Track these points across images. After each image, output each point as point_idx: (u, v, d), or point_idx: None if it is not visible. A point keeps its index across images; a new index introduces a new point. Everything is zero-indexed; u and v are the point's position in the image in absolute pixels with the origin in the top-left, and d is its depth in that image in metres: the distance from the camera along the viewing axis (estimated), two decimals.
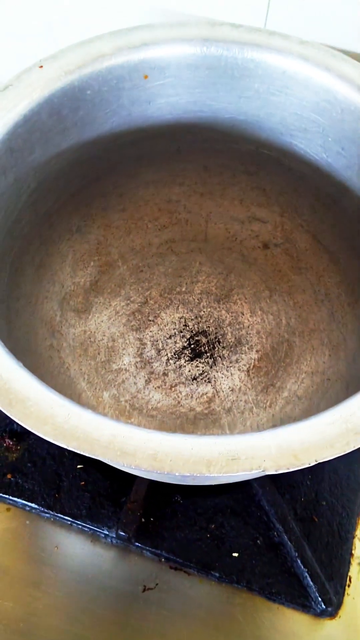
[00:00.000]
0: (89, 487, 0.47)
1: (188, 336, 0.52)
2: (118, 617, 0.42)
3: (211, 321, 0.52)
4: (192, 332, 0.52)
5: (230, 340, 0.51)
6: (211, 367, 0.50)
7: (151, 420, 0.47)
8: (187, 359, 0.50)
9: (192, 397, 0.49)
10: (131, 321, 0.52)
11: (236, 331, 0.52)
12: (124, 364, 0.50)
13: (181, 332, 0.52)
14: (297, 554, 0.44)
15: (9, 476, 0.47)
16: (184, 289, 0.54)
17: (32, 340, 0.45)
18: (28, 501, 0.46)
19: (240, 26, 0.44)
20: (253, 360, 0.50)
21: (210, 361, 0.50)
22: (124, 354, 0.50)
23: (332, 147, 0.45)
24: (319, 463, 0.28)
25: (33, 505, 0.46)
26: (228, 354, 0.51)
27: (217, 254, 0.55)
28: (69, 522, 0.46)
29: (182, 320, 0.52)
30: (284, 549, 0.44)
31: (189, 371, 0.50)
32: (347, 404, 0.31)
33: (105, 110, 0.45)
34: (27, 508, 0.46)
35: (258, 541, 0.45)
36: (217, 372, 0.50)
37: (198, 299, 0.53)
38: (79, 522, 0.45)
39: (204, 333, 0.52)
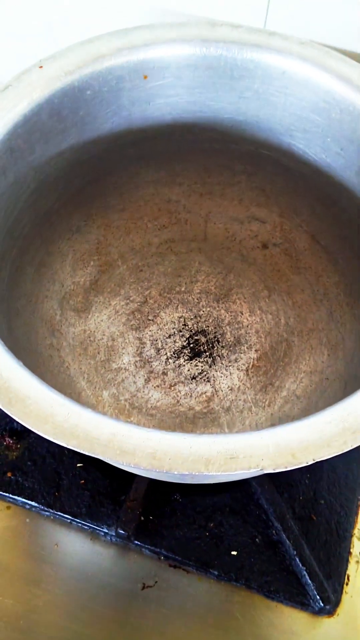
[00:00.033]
0: (88, 485, 0.47)
1: (187, 335, 0.52)
2: (117, 615, 0.42)
3: (210, 320, 0.52)
4: (191, 331, 0.52)
5: (229, 340, 0.51)
6: (210, 367, 0.50)
7: (150, 419, 0.48)
8: (186, 358, 0.51)
9: (191, 396, 0.49)
10: (131, 320, 0.52)
11: (235, 330, 0.52)
12: (124, 363, 0.50)
13: (180, 331, 0.52)
14: (295, 552, 0.44)
15: (9, 474, 0.47)
16: (183, 289, 0.54)
17: (32, 339, 0.45)
18: (28, 499, 0.46)
19: (240, 26, 0.44)
20: (252, 360, 0.50)
21: (210, 360, 0.50)
22: (123, 353, 0.51)
23: (331, 147, 0.45)
24: (317, 462, 0.29)
25: (33, 503, 0.46)
26: (227, 353, 0.51)
27: (217, 253, 0.55)
28: (69, 520, 0.46)
29: (182, 319, 0.52)
30: (283, 547, 0.45)
31: (188, 370, 0.50)
32: (345, 403, 0.31)
33: (105, 111, 0.45)
34: (27, 506, 0.46)
35: (257, 539, 0.45)
36: (216, 371, 0.50)
37: (197, 299, 0.54)
38: (78, 520, 0.46)
39: (203, 332, 0.52)
